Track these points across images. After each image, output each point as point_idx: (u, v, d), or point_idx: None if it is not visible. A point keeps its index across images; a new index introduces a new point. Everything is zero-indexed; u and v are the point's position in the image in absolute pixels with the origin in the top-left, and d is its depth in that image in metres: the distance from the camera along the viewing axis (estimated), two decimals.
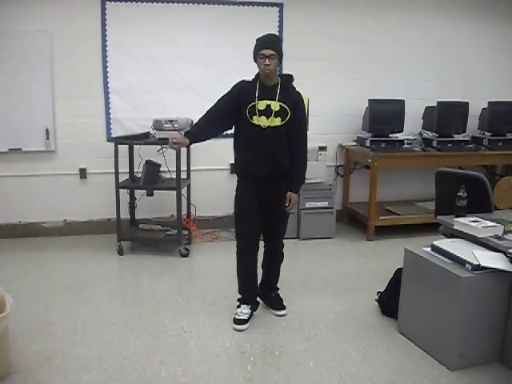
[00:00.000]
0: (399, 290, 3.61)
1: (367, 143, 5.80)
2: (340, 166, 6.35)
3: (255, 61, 3.57)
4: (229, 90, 3.71)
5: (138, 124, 5.65)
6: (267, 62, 3.47)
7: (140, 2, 5.50)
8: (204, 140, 3.80)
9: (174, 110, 5.55)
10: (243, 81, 3.72)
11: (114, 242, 5.28)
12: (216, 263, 4.98)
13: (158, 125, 5.18)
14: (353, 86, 6.14)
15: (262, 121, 3.55)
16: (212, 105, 3.71)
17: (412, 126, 6.17)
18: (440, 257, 3.29)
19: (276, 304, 3.98)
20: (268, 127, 3.56)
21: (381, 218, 5.77)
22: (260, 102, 3.56)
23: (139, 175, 5.33)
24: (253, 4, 5.72)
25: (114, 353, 3.33)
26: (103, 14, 5.46)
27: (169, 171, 5.32)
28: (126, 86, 5.65)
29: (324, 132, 6.09)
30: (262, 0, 5.75)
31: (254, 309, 3.87)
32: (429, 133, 6.11)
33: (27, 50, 5.36)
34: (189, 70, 5.71)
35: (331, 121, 6.16)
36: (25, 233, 5.73)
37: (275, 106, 3.55)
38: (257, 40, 3.57)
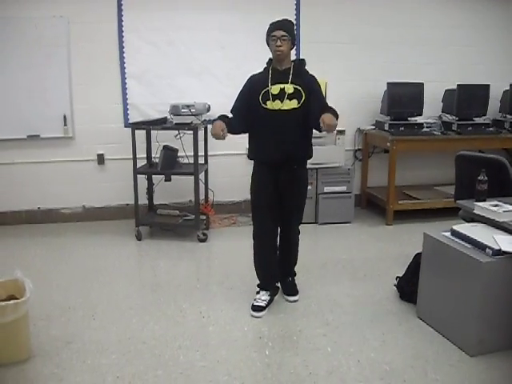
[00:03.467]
0: (418, 275, 3.58)
1: (386, 127, 5.73)
2: (358, 150, 6.30)
3: (268, 44, 3.57)
4: (239, 91, 3.74)
5: (156, 109, 5.65)
6: (279, 43, 3.46)
7: None
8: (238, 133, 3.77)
9: (191, 95, 5.54)
10: (252, 75, 3.73)
11: (133, 227, 5.30)
12: (234, 248, 4.98)
13: (174, 110, 5.16)
14: (371, 68, 6.06)
15: (276, 104, 3.53)
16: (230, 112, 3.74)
17: (432, 110, 6.09)
18: (460, 241, 3.24)
19: (289, 289, 3.96)
20: (283, 110, 3.52)
21: (400, 202, 5.71)
22: (273, 87, 3.54)
23: (157, 160, 5.33)
24: None
25: (133, 337, 3.36)
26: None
27: (186, 156, 5.32)
28: (143, 71, 5.64)
29: (342, 116, 5.97)
30: None
31: (273, 295, 3.86)
32: (448, 116, 6.02)
33: (44, 37, 5.37)
34: (206, 55, 5.67)
35: (349, 104, 6.08)
36: (44, 219, 5.79)
37: (289, 88, 3.52)
38: (270, 24, 3.56)
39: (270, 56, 3.62)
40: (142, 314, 3.69)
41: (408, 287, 3.77)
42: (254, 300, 3.76)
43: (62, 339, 3.33)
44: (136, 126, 5.18)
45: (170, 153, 5.21)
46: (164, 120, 5.30)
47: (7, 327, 3.01)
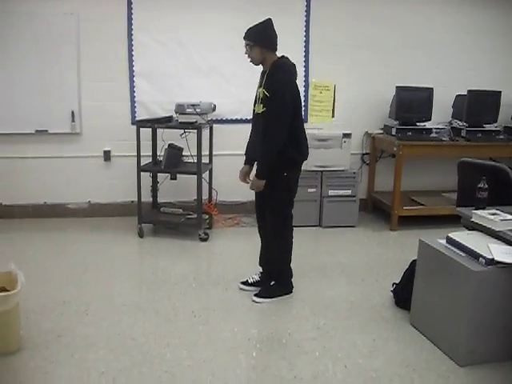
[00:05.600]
0: (413, 282, 3.53)
1: (393, 131, 5.68)
2: (366, 153, 6.24)
3: None
4: None
5: (163, 108, 5.65)
6: (245, 51, 3.65)
7: None
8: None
9: (198, 95, 5.54)
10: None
11: (136, 224, 5.31)
12: (234, 248, 4.97)
13: (180, 109, 5.17)
14: (381, 72, 6.00)
15: (256, 108, 3.73)
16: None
17: (442, 115, 6.01)
18: (454, 249, 3.19)
19: (261, 290, 3.95)
20: (257, 114, 3.70)
21: (405, 207, 5.65)
22: (258, 91, 3.73)
23: (161, 159, 5.34)
24: None
25: (123, 334, 3.36)
26: None
27: (191, 155, 5.32)
28: (151, 70, 5.66)
29: (350, 119, 5.98)
30: None
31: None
32: (458, 122, 5.93)
33: (54, 33, 5.42)
34: (214, 55, 5.67)
35: (358, 108, 6.04)
36: (50, 213, 5.83)
37: (261, 93, 3.64)
38: None
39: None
40: (135, 310, 3.69)
41: (403, 294, 3.72)
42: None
43: (53, 333, 3.35)
44: (141, 123, 5.20)
45: (174, 151, 5.21)
46: (169, 119, 5.31)
47: None
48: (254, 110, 3.78)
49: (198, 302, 3.86)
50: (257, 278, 4.04)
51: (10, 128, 5.53)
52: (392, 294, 3.89)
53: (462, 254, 3.12)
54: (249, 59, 3.67)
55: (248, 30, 3.63)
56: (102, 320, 3.55)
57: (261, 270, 4.07)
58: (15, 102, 5.49)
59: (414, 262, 3.67)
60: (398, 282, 3.90)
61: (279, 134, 3.51)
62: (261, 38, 3.58)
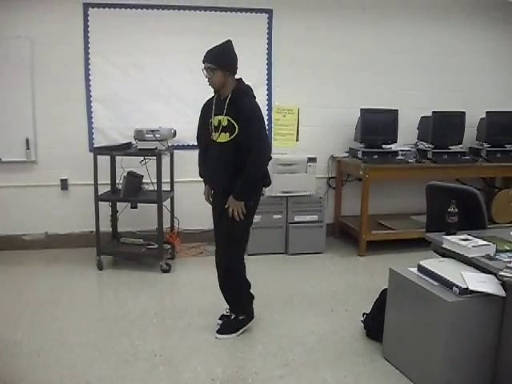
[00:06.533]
0: (384, 313, 3.38)
1: (359, 154, 5.58)
2: (332, 177, 6.12)
3: None
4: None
5: (122, 134, 5.47)
6: (205, 74, 3.44)
7: (124, 8, 5.34)
8: None
9: (159, 120, 5.37)
10: (205, 102, 3.73)
11: (95, 255, 5.06)
12: (198, 279, 4.77)
13: (139, 135, 4.99)
14: (345, 94, 5.93)
15: (214, 136, 3.52)
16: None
17: (407, 137, 5.95)
18: (426, 278, 3.05)
19: (221, 325, 3.73)
20: (219, 143, 3.49)
21: (373, 232, 5.53)
22: (214, 118, 3.51)
23: (120, 187, 5.12)
24: (241, 10, 5.55)
25: (77, 377, 3.12)
26: (85, 21, 5.30)
27: (152, 183, 5.11)
28: (109, 95, 5.46)
29: (315, 143, 5.87)
30: (250, 6, 5.57)
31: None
32: (424, 144, 5.88)
33: (7, 57, 5.22)
34: (174, 79, 5.52)
35: (323, 131, 5.94)
36: (4, 246, 5.52)
37: (224, 120, 3.44)
38: None
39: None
40: (91, 350, 3.45)
41: (374, 325, 3.56)
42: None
43: (0, 380, 3.08)
44: (98, 151, 4.99)
45: (133, 179, 5.01)
46: (128, 145, 5.13)
47: None
48: (211, 140, 3.54)
49: (159, 339, 3.63)
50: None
51: None
52: (362, 324, 3.73)
53: (434, 283, 2.98)
54: (209, 83, 3.47)
55: (208, 52, 3.43)
56: (56, 362, 3.29)
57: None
58: None
59: (384, 291, 3.52)
60: (368, 311, 3.74)
61: (267, 156, 3.45)
62: (223, 61, 3.40)
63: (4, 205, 5.47)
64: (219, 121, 3.44)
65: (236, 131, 3.40)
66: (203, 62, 3.43)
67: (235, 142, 3.41)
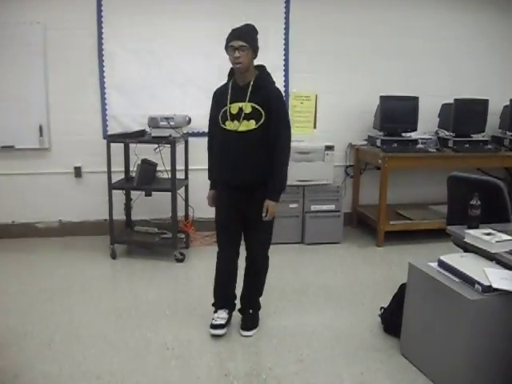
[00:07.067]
0: (403, 308, 3.27)
1: (378, 143, 5.44)
2: (350, 166, 5.99)
3: (227, 53, 3.26)
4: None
5: (136, 121, 5.38)
6: (236, 54, 3.17)
7: None
8: None
9: (173, 106, 5.28)
10: (217, 88, 3.48)
11: (109, 244, 5.01)
12: (212, 269, 4.56)
13: (153, 122, 4.90)
14: (364, 81, 5.77)
15: (234, 125, 3.26)
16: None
17: (428, 125, 5.78)
18: (447, 274, 2.93)
19: (245, 322, 3.59)
20: (241, 132, 3.26)
21: (391, 222, 5.40)
22: (232, 106, 3.28)
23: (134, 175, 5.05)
24: None
25: (87, 371, 3.06)
26: (99, 6, 5.20)
27: (166, 171, 5.02)
28: (123, 81, 5.38)
29: (333, 130, 5.73)
30: None
31: (231, 312, 3.66)
32: (445, 132, 5.71)
33: (20, 43, 5.14)
34: (189, 64, 5.41)
35: (341, 119, 5.80)
36: (18, 233, 5.50)
37: (246, 107, 3.24)
38: (230, 31, 3.26)
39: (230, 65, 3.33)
40: (102, 343, 3.39)
41: (392, 320, 3.45)
42: (213, 319, 3.54)
43: (10, 371, 3.04)
44: (112, 138, 4.92)
45: (147, 167, 4.93)
46: (142, 133, 5.04)
47: None
48: (225, 129, 3.30)
49: (172, 331, 3.55)
50: (226, 315, 3.59)
51: None
52: (380, 319, 3.63)
53: (455, 279, 2.86)
54: (238, 64, 3.19)
55: (239, 30, 3.22)
56: (66, 355, 3.24)
57: (225, 309, 3.63)
58: None
59: (403, 286, 3.41)
60: (386, 305, 3.63)
61: (290, 146, 3.36)
62: (255, 43, 3.24)
63: (18, 192, 5.44)
64: (240, 108, 3.25)
65: (263, 118, 3.24)
66: (232, 40, 3.17)
67: (262, 130, 3.25)
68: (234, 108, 3.26)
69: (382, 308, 3.65)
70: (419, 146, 5.48)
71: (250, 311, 3.63)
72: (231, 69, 3.36)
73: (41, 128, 5.30)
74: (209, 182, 3.64)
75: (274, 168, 3.30)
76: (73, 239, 5.52)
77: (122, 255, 5.08)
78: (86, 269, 4.73)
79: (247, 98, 3.24)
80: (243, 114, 3.24)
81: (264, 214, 3.31)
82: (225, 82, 3.46)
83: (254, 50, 3.24)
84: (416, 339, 3.13)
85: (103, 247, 5.14)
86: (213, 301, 3.63)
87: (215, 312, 3.59)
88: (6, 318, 3.73)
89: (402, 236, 5.44)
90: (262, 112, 3.23)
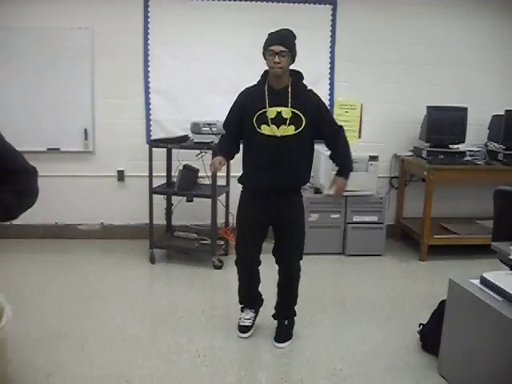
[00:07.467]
0: (442, 325, 3.14)
1: (424, 154, 5.30)
2: (395, 177, 5.86)
3: (265, 58, 3.23)
4: (232, 104, 3.47)
5: (179, 126, 5.39)
6: (277, 59, 3.12)
7: None
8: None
9: (216, 113, 5.20)
10: (246, 89, 3.44)
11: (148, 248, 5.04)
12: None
13: (195, 128, 4.91)
14: (411, 91, 5.64)
15: (272, 130, 3.21)
16: (223, 128, 3.56)
17: (477, 137, 5.60)
18: (490, 292, 2.79)
19: (279, 333, 3.53)
20: (280, 137, 3.20)
21: (436, 236, 5.24)
22: (270, 110, 3.21)
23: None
24: (304, 2, 5.35)
25: (118, 374, 3.06)
26: (146, 11, 5.27)
27: (207, 177, 5.02)
28: (167, 87, 5.42)
29: (377, 141, 5.62)
30: None
31: (257, 311, 3.71)
32: (495, 144, 5.51)
33: (68, 48, 5.25)
34: (233, 72, 5.40)
35: (386, 129, 5.68)
36: (61, 234, 5.61)
37: (287, 112, 3.19)
38: (268, 34, 3.23)
39: (267, 68, 3.28)
40: (135, 347, 3.39)
41: (431, 337, 3.32)
42: (240, 320, 3.61)
43: (43, 371, 3.07)
44: (154, 143, 4.95)
45: (188, 173, 4.94)
46: (184, 138, 5.05)
47: None
48: (261, 134, 3.22)
49: (205, 339, 3.52)
50: (252, 314, 3.64)
51: (20, 145, 5.07)
52: (419, 335, 3.50)
53: (498, 298, 2.72)
54: (277, 69, 3.15)
55: (283, 35, 3.18)
56: (98, 357, 3.25)
57: (251, 309, 3.68)
58: (27, 118, 5.31)
59: (443, 302, 3.28)
60: (425, 321, 3.51)
61: None
62: (294, 48, 3.21)
63: (62, 194, 5.53)
64: (278, 112, 3.20)
65: (303, 124, 3.20)
66: (276, 44, 3.12)
67: (301, 135, 3.21)
68: (272, 112, 3.21)
69: (420, 324, 3.52)
70: (467, 158, 5.31)
71: (286, 322, 3.57)
72: (265, 71, 3.32)
73: (86, 131, 5.39)
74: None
75: (344, 151, 3.36)
76: (113, 242, 5.57)
77: (161, 260, 5.09)
78: (125, 272, 4.76)
79: (289, 104, 3.19)
80: (282, 119, 3.19)
81: (332, 190, 3.38)
82: (253, 83, 3.42)
83: (293, 56, 3.20)
84: (455, 359, 3.00)
85: (143, 251, 5.17)
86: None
87: (242, 312, 3.64)
88: (44, 317, 3.78)
89: (446, 251, 5.26)
90: (303, 117, 3.19)
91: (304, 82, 3.33)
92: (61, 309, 3.94)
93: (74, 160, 5.49)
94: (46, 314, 3.83)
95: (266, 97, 3.24)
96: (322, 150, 5.29)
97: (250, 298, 3.68)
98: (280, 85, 3.24)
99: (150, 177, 4.89)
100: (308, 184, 5.52)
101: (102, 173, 5.54)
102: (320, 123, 3.27)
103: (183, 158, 5.09)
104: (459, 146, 5.40)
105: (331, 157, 3.46)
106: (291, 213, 3.34)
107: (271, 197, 3.30)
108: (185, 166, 4.98)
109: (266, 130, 3.22)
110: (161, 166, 5.14)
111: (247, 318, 3.60)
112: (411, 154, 5.64)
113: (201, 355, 3.30)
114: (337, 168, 3.43)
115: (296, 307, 3.61)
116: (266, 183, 3.28)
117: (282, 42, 3.12)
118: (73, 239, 5.59)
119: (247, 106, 3.31)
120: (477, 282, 2.93)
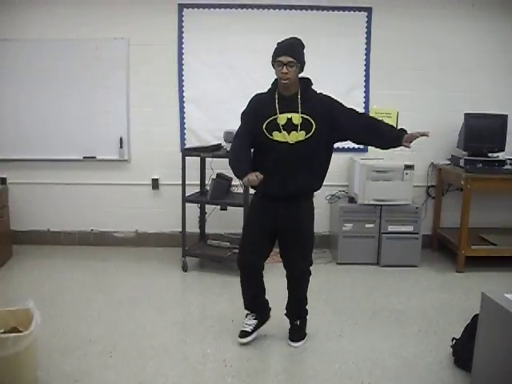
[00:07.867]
0: (475, 340, 3.03)
1: (461, 163, 5.16)
2: (432, 186, 5.73)
3: (273, 67, 3.26)
4: (244, 109, 3.46)
5: (213, 135, 5.42)
6: (285, 70, 3.15)
7: (218, 8, 5.30)
8: None
9: None
10: (257, 94, 3.45)
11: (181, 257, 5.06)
12: (282, 288, 4.55)
13: (228, 136, 4.90)
14: (448, 98, 5.51)
15: (283, 136, 3.22)
16: (236, 134, 3.49)
17: None
18: None
19: (293, 334, 3.60)
20: (292, 143, 3.21)
21: (473, 247, 5.08)
22: (281, 116, 3.21)
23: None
24: (338, 9, 5.29)
25: (144, 382, 3.07)
26: (180, 21, 5.31)
27: (240, 185, 5.01)
28: (201, 95, 5.44)
29: (413, 149, 5.47)
30: (348, 4, 5.30)
31: (261, 320, 3.67)
32: None
33: (104, 58, 5.34)
34: (266, 79, 5.31)
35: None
36: (96, 241, 5.70)
37: (297, 118, 3.19)
38: (277, 44, 3.26)
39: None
40: (162, 355, 3.39)
41: (464, 352, 3.21)
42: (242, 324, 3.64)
43: (71, 376, 3.11)
44: (187, 152, 4.98)
45: (221, 181, 4.94)
46: (217, 147, 5.07)
47: (7, 361, 2.80)
48: (272, 140, 3.22)
49: (232, 348, 3.49)
50: (253, 321, 3.63)
51: (57, 154, 5.47)
52: (452, 350, 3.39)
53: None
54: (284, 80, 3.17)
55: (291, 45, 3.22)
56: (126, 364, 3.27)
57: (252, 315, 3.67)
58: (63, 127, 5.43)
59: (476, 317, 3.17)
60: (459, 336, 3.40)
61: None
62: (302, 58, 3.23)
63: (97, 202, 5.64)
64: (288, 119, 3.21)
65: (313, 129, 3.20)
66: (283, 55, 3.16)
67: (311, 141, 3.21)
68: (283, 119, 3.22)
69: (453, 339, 3.41)
70: (507, 167, 5.14)
71: (298, 323, 3.61)
72: (276, 79, 3.33)
73: (121, 140, 5.47)
74: None
75: (381, 124, 3.43)
76: (147, 250, 5.62)
77: (194, 268, 5.10)
78: (157, 280, 4.79)
79: (299, 110, 3.21)
80: (293, 125, 3.20)
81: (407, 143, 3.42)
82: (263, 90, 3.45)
83: (302, 65, 3.22)
84: (488, 376, 2.88)
85: (176, 259, 5.19)
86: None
87: (245, 317, 3.67)
88: (75, 323, 3.83)
89: (484, 262, 5.10)
90: (313, 122, 3.20)
91: (311, 86, 3.33)
92: (91, 315, 3.99)
93: (110, 168, 5.56)
94: (76, 320, 3.88)
95: (277, 104, 3.25)
96: (356, 159, 5.25)
97: (251, 303, 3.66)
98: (289, 92, 3.25)
99: (183, 185, 4.91)
100: (342, 193, 5.53)
101: (137, 181, 5.61)
102: (338, 118, 3.25)
103: (216, 166, 5.11)
104: (499, 154, 5.25)
105: (377, 141, 3.48)
106: (299, 216, 3.36)
107: (281, 202, 3.31)
108: (218, 175, 5.00)
109: (277, 136, 3.22)
110: (195, 174, 5.18)
111: (248, 323, 3.61)
112: (449, 162, 5.51)
113: (227, 365, 3.28)
114: (394, 139, 3.46)
115: (313, 310, 3.69)
116: (276, 189, 3.29)
117: (289, 53, 3.16)
118: (108, 246, 5.67)
119: (258, 112, 3.32)
120: (511, 296, 2.82)
